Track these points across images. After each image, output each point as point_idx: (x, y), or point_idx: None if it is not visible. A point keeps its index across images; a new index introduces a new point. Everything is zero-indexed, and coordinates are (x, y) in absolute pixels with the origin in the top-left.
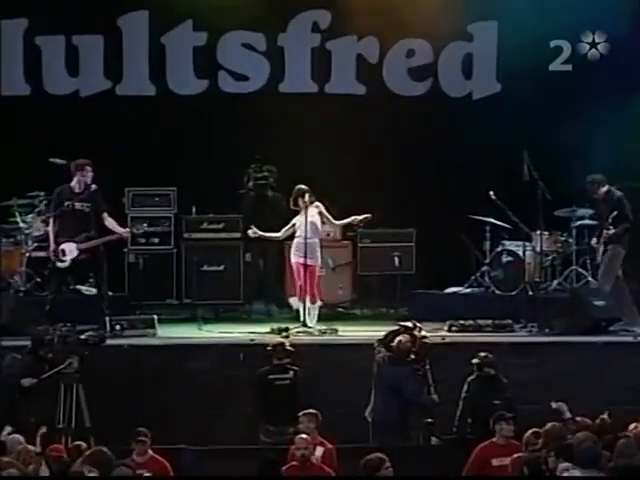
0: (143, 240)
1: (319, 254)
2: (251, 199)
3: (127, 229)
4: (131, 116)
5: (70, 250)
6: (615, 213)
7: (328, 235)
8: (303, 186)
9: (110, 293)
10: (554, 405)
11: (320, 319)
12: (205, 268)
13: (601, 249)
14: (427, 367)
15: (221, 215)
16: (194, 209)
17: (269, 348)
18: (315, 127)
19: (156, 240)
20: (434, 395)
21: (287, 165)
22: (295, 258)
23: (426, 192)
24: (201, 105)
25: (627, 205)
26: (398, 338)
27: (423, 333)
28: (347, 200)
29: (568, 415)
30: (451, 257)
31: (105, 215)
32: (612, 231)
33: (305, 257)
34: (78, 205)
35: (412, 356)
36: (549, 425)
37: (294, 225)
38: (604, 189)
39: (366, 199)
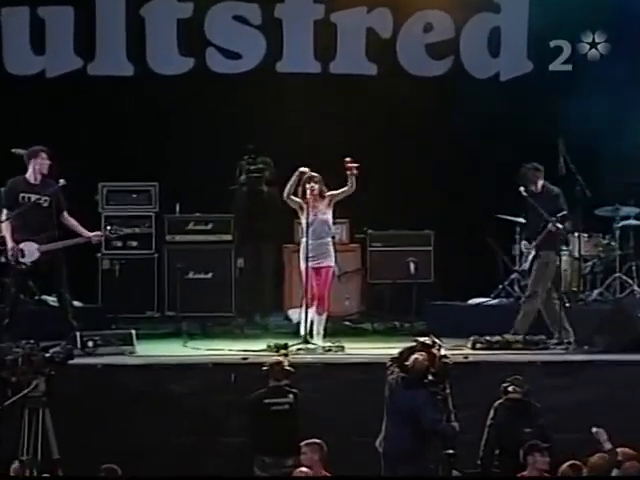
0: (119, 243)
1: (333, 254)
2: (244, 196)
3: (99, 232)
4: (105, 100)
5: (30, 251)
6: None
7: (333, 237)
8: (313, 174)
9: (79, 304)
10: (594, 430)
11: (324, 334)
12: (191, 276)
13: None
14: (447, 390)
15: (209, 214)
16: (178, 207)
17: (265, 368)
18: (318, 113)
19: (134, 243)
20: (455, 422)
21: (285, 157)
22: (305, 262)
23: (446, 188)
24: (186, 87)
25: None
26: (414, 356)
27: (443, 351)
28: (354, 197)
29: (608, 445)
30: (475, 263)
31: (65, 215)
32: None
33: (318, 259)
34: (35, 198)
35: (430, 377)
36: (595, 458)
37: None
38: (541, 182)
39: (377, 196)
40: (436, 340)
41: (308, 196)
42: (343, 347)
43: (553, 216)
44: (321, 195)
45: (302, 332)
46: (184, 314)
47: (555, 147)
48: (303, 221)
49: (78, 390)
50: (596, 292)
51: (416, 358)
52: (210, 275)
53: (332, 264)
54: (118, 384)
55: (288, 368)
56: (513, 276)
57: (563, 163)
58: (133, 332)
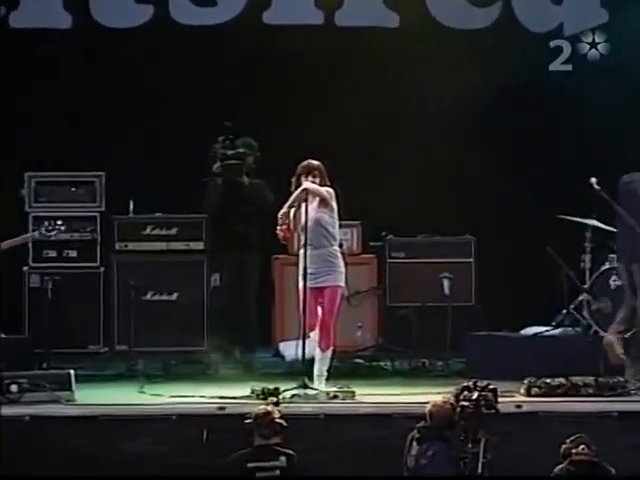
0: (53, 253)
1: (342, 268)
2: (220, 190)
3: (27, 235)
4: (34, 60)
5: None
6: None
7: (340, 246)
8: (313, 162)
9: None
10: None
11: (329, 376)
12: (149, 297)
13: None
14: (479, 450)
15: (174, 215)
16: (132, 205)
17: (249, 421)
18: (319, 79)
19: (73, 253)
20: None
21: (274, 138)
22: (303, 280)
23: (491, 180)
24: (144, 44)
25: None
26: (434, 400)
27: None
28: (368, 189)
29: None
30: (530, 280)
31: None
32: None
33: (320, 275)
34: None
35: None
36: None
37: None
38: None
39: (397, 190)
40: (481, 384)
41: (305, 189)
42: (354, 393)
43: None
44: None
45: (299, 373)
46: (140, 349)
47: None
48: (299, 224)
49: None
50: None
51: (436, 402)
52: (175, 296)
53: (339, 282)
54: (51, 442)
55: (279, 421)
56: (581, 297)
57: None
58: (71, 373)
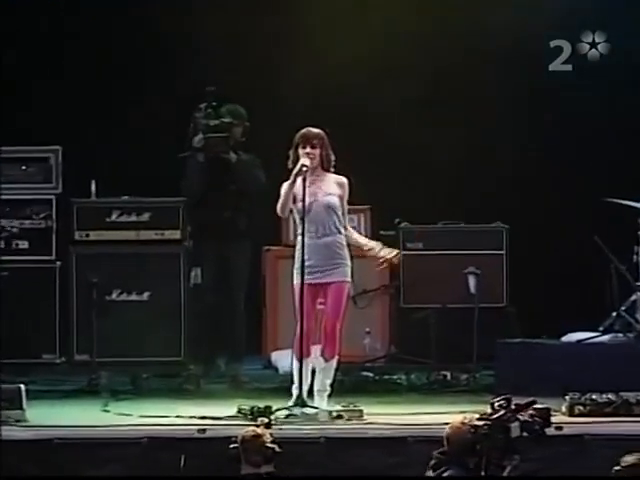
0: (1, 244)
1: (349, 261)
2: (201, 168)
3: None
4: None
5: None
6: None
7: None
8: (313, 130)
9: None
10: None
11: (331, 392)
12: (115, 297)
13: None
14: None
15: (145, 198)
16: (94, 187)
17: (235, 446)
18: (326, 28)
19: (24, 244)
20: None
21: (268, 105)
22: (300, 275)
23: (526, 157)
24: None
25: None
26: (452, 422)
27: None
28: (379, 168)
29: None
30: (573, 276)
31: None
32: None
33: (322, 270)
34: None
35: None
36: None
37: None
38: None
39: (414, 169)
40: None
41: (304, 165)
42: (361, 412)
43: None
44: (324, 167)
45: (295, 388)
46: (104, 359)
47: None
48: (296, 207)
49: None
50: None
51: (453, 424)
52: (146, 296)
53: (345, 278)
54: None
55: (271, 446)
56: (634, 297)
57: None
58: (22, 388)
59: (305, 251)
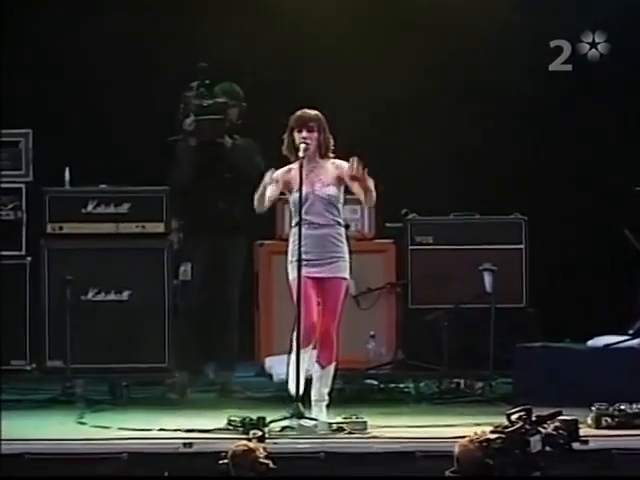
0: None
1: (347, 256)
2: (191, 153)
3: None
4: None
5: None
6: None
7: (347, 227)
8: (309, 112)
9: None
10: None
11: (330, 401)
12: (91, 297)
13: None
14: None
15: (125, 187)
16: (68, 174)
17: (224, 461)
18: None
19: None
20: None
21: (266, 84)
22: (297, 270)
23: (546, 142)
24: None
25: None
26: (461, 441)
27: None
28: (384, 153)
29: None
30: (600, 274)
31: None
32: None
33: (320, 265)
34: None
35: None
36: None
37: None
38: None
39: (423, 155)
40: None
41: (300, 153)
42: (365, 424)
43: None
44: (322, 153)
45: (291, 397)
46: (79, 365)
47: None
48: (292, 197)
49: None
50: None
51: (462, 443)
52: (126, 295)
53: (345, 274)
54: None
55: (265, 462)
56: None
57: None
58: None
59: (302, 244)
